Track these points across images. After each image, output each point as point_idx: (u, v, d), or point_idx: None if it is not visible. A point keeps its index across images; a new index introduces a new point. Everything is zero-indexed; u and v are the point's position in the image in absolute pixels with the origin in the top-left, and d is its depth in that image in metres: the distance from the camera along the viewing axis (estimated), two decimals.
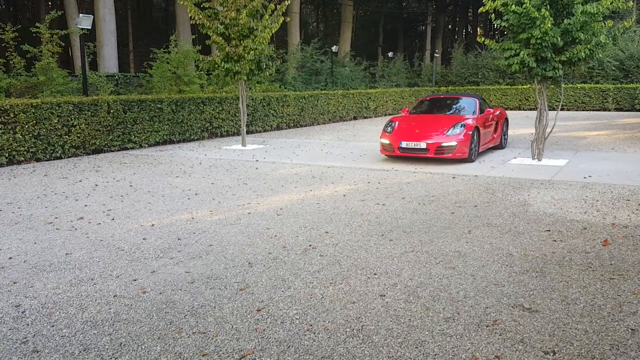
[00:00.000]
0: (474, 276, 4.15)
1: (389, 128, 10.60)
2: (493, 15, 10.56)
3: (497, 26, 25.15)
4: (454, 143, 9.75)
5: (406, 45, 49.79)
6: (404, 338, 3.17)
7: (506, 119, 12.63)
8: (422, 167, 9.71)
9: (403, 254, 4.72)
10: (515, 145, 12.83)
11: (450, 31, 56.09)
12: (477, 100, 11.33)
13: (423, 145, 9.90)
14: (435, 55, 35.23)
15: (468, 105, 11.26)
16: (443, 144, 9.78)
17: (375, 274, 4.23)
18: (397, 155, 10.38)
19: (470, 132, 9.96)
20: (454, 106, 11.67)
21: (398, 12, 47.08)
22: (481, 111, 11.03)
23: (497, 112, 12.00)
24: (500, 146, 12.23)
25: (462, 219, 5.94)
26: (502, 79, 30.77)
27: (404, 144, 10.11)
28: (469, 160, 10.10)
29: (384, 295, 3.80)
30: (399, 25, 47.66)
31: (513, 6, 8.97)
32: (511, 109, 28.00)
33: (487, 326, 3.30)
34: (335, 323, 3.38)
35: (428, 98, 12.40)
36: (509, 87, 28.93)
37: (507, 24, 9.38)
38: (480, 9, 9.65)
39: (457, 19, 55.52)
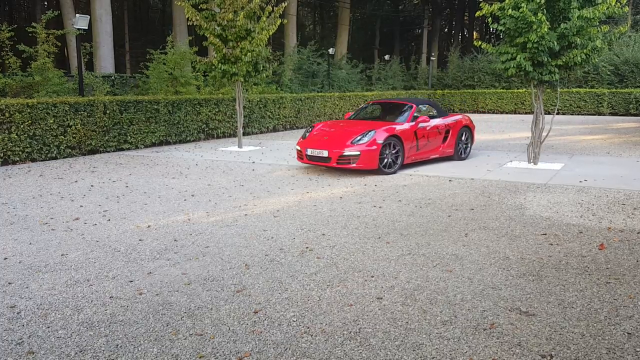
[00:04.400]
0: (470, 279, 4.16)
1: (306, 134, 10.01)
2: (490, 19, 10.59)
3: (493, 30, 25.27)
4: (356, 152, 8.95)
5: (402, 48, 49.94)
6: (401, 341, 3.17)
7: (466, 127, 11.07)
8: (419, 170, 9.73)
9: (400, 257, 4.72)
10: (511, 149, 12.88)
11: (447, 34, 56.24)
12: (414, 107, 10.34)
13: (325, 153, 9.17)
14: (432, 58, 35.27)
15: (401, 112, 10.33)
16: (345, 153, 9.00)
17: (372, 277, 4.23)
18: (305, 163, 9.69)
19: (381, 142, 9.06)
20: (387, 113, 10.89)
21: (394, 15, 47.21)
22: (413, 119, 9.98)
23: (450, 120, 10.75)
24: (452, 157, 10.85)
25: (458, 222, 5.95)
26: (498, 82, 30.85)
27: (309, 152, 9.42)
28: (381, 172, 9.21)
29: (381, 298, 3.80)
30: (395, 28, 47.80)
31: (510, 10, 9.00)
32: (507, 113, 28.11)
33: (484, 329, 3.31)
34: (332, 325, 3.38)
35: (370, 103, 11.64)
36: (505, 90, 29.02)
37: (503, 28, 9.41)
38: (477, 13, 9.68)
39: (454, 23, 55.67)
